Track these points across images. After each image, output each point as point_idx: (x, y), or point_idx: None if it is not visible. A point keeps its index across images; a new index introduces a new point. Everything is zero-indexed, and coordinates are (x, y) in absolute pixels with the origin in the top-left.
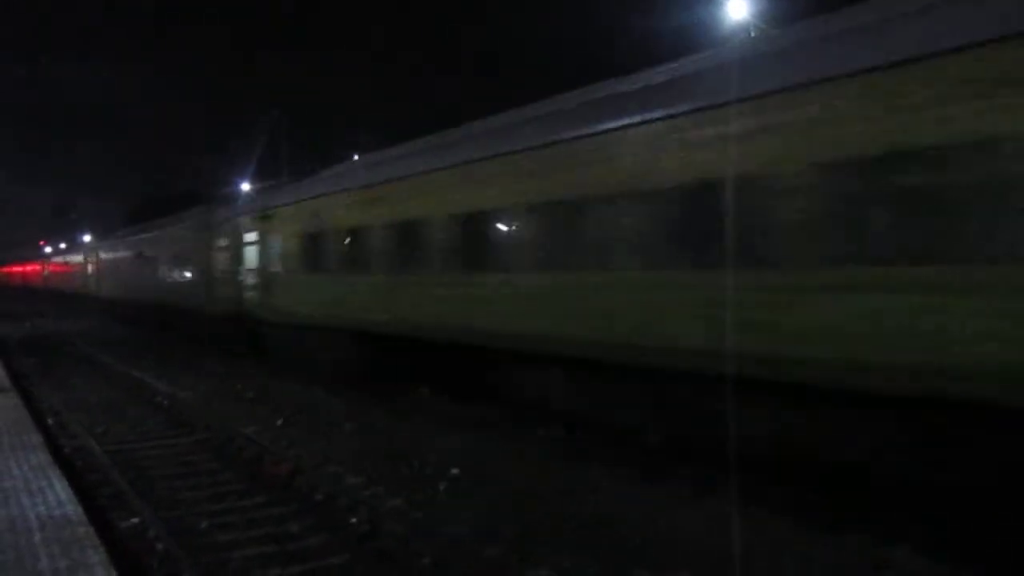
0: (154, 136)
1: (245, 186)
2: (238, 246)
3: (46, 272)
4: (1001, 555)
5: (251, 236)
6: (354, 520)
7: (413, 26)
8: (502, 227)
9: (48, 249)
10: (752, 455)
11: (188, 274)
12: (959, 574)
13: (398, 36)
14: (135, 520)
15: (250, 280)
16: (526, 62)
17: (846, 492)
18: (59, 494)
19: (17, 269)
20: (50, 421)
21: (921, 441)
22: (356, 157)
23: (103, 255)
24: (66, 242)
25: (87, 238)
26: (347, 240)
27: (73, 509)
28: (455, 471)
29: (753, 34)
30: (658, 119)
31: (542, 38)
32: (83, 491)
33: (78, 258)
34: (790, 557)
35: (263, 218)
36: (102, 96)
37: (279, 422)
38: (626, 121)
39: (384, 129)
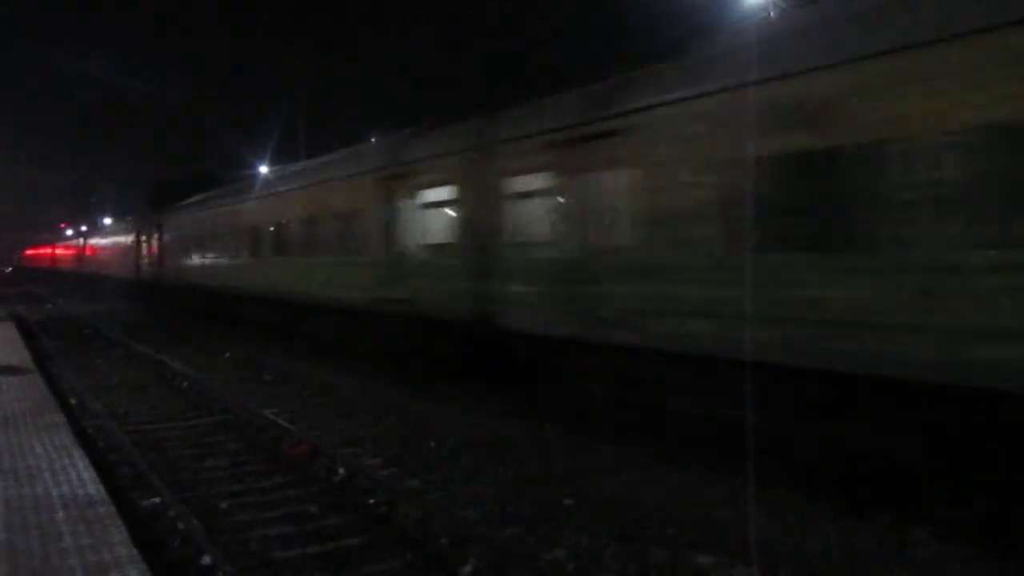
0: (172, 121)
1: (263, 168)
2: None
3: (143, 254)
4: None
5: None
6: (372, 501)
7: (430, 5)
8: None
9: (71, 230)
10: (772, 436)
11: None
12: (980, 556)
13: (414, 14)
14: (156, 500)
15: None
16: (538, 35)
17: (867, 473)
18: (81, 473)
19: (66, 250)
20: (72, 402)
21: (944, 424)
22: (373, 139)
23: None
24: (88, 224)
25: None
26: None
27: (95, 488)
28: (472, 453)
29: (772, 14)
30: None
31: (553, 13)
32: (105, 471)
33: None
34: (810, 538)
35: None
36: (120, 82)
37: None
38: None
39: (402, 108)
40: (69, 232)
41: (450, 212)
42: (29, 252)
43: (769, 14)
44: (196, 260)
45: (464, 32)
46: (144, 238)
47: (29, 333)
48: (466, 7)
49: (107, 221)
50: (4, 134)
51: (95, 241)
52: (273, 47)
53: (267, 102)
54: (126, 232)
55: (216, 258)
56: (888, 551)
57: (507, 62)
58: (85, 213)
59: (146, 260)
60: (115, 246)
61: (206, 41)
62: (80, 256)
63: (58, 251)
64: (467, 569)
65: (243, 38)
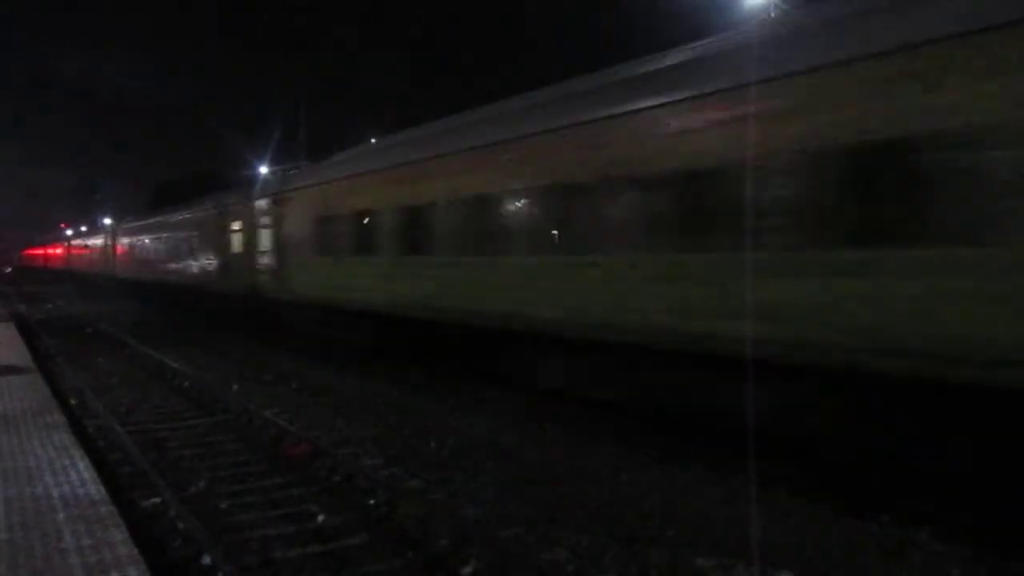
0: (173, 121)
1: (263, 168)
2: None
3: (234, 252)
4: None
5: None
6: (372, 501)
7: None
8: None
9: (69, 232)
10: (772, 438)
11: None
12: (980, 557)
13: (414, 18)
14: (156, 500)
15: None
16: (539, 39)
17: (866, 475)
18: (82, 473)
19: (85, 250)
20: (73, 401)
21: (943, 425)
22: (373, 140)
23: None
24: (88, 225)
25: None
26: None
27: (96, 488)
28: (472, 453)
29: (773, 14)
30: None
31: (555, 15)
32: (105, 471)
33: None
34: (811, 539)
35: None
36: (121, 81)
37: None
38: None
39: (403, 110)
40: (69, 232)
41: None
42: (33, 251)
43: (770, 15)
44: (381, 264)
45: (463, 34)
46: (238, 227)
47: (30, 333)
48: (465, 8)
49: (135, 208)
50: (4, 134)
51: (134, 238)
52: (273, 47)
53: (267, 102)
54: (200, 222)
55: (450, 257)
56: (889, 552)
57: (505, 63)
58: (86, 213)
59: (236, 262)
60: (175, 242)
61: (206, 41)
62: (106, 256)
63: (74, 250)
64: (467, 570)
65: (244, 38)
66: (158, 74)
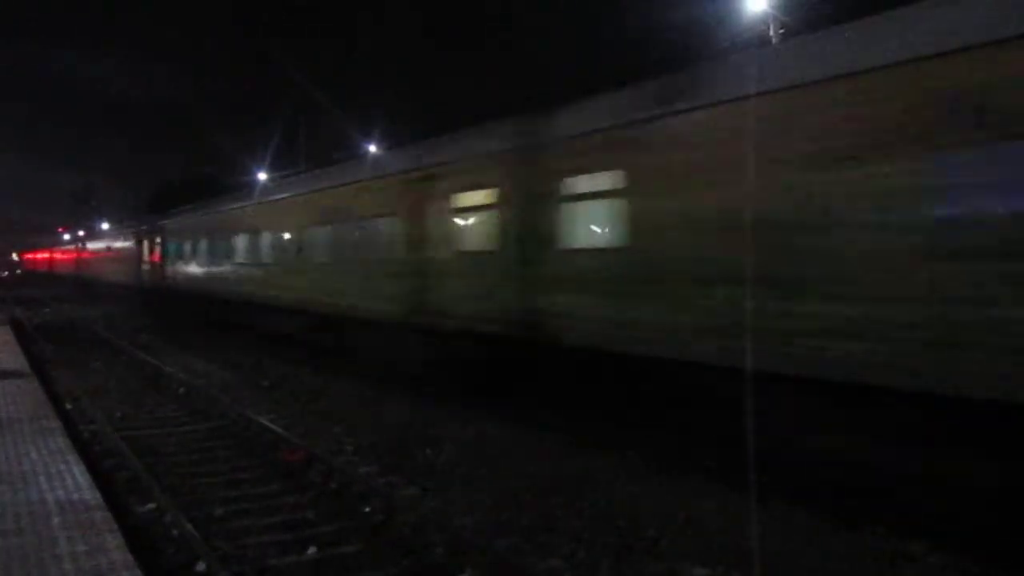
0: (173, 125)
1: (262, 175)
2: None
3: None
4: (1018, 550)
5: None
6: (368, 509)
7: (429, 14)
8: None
9: (67, 236)
10: (768, 448)
11: None
12: (975, 569)
13: (416, 24)
14: (151, 506)
15: None
16: (537, 51)
17: (863, 486)
18: (77, 479)
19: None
20: (68, 406)
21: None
22: (372, 148)
23: None
24: (85, 229)
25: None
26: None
27: (91, 494)
28: (469, 461)
29: (772, 28)
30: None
31: (554, 29)
32: (100, 476)
33: None
34: (806, 550)
35: None
36: (122, 85)
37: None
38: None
39: (402, 119)
40: (67, 236)
41: None
42: (60, 255)
43: (768, 28)
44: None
45: (462, 37)
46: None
47: (27, 337)
48: (463, 11)
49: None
50: (4, 136)
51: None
52: (274, 48)
53: (267, 103)
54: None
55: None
56: (885, 563)
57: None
58: (85, 216)
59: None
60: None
61: (206, 42)
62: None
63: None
64: None
65: (244, 38)
66: (158, 74)
